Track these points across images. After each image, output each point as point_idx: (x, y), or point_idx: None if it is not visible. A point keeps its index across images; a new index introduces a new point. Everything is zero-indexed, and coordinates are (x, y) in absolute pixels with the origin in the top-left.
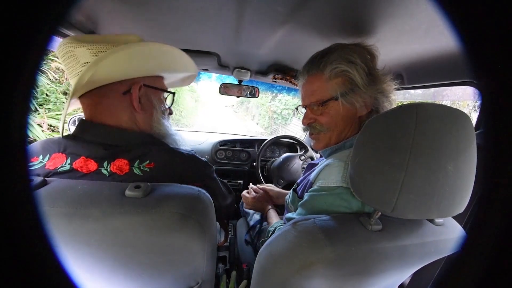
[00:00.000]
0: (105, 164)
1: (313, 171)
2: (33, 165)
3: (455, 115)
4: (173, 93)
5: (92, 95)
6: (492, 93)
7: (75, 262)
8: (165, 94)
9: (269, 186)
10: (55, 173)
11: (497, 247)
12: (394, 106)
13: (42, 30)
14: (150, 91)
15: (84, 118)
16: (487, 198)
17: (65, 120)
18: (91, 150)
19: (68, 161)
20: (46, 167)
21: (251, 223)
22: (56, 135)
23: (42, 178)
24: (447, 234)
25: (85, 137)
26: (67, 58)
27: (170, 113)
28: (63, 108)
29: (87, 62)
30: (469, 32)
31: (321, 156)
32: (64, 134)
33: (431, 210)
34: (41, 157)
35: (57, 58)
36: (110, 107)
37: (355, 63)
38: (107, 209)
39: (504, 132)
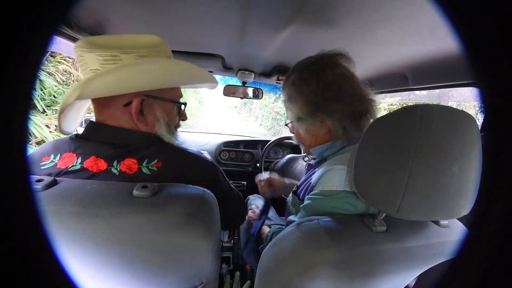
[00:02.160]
0: (115, 163)
1: (313, 173)
2: (45, 164)
3: (460, 117)
4: (184, 104)
5: (97, 100)
6: (492, 94)
7: (83, 260)
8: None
9: (274, 175)
10: (66, 172)
11: (499, 247)
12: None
13: (42, 29)
14: (156, 103)
15: (92, 120)
16: (489, 198)
17: (59, 120)
18: (101, 150)
19: (79, 160)
20: (57, 166)
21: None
22: (63, 136)
23: (53, 178)
24: (452, 236)
25: (93, 138)
26: (79, 61)
27: (183, 119)
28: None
29: (94, 69)
30: (471, 34)
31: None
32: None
33: (436, 212)
34: (52, 156)
35: (65, 60)
36: (112, 115)
37: (292, 97)
38: (115, 209)
39: (505, 133)
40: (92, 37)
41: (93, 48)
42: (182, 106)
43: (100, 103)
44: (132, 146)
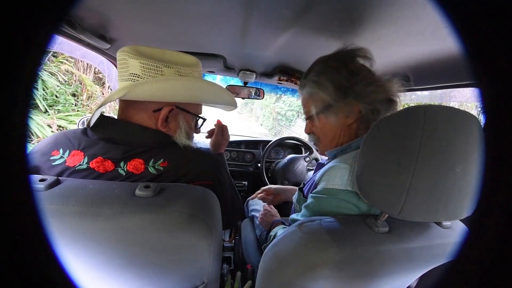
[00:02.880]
0: (121, 164)
1: (320, 171)
2: (55, 160)
3: (463, 117)
4: (204, 119)
5: (127, 100)
6: (493, 95)
7: (85, 259)
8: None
9: (274, 186)
10: (74, 171)
11: (499, 247)
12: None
13: (42, 28)
14: (181, 113)
15: (104, 115)
16: (489, 198)
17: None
18: (109, 150)
19: (86, 160)
20: (66, 163)
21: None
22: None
23: (55, 177)
24: (455, 237)
25: (104, 133)
26: (120, 64)
27: (197, 132)
28: (72, 110)
29: (134, 74)
30: (471, 34)
31: (329, 159)
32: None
33: (439, 213)
34: (61, 151)
35: (67, 60)
36: (138, 116)
37: (320, 84)
38: (117, 208)
39: (505, 133)
40: (139, 46)
41: (139, 56)
42: (200, 121)
43: (129, 102)
44: (141, 147)
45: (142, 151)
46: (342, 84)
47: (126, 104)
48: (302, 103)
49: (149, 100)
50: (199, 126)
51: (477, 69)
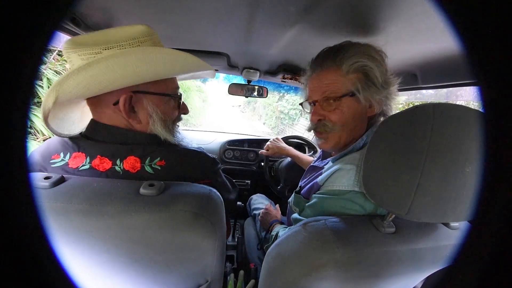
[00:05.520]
0: (118, 161)
1: (319, 174)
2: (55, 163)
3: (473, 115)
4: (177, 97)
5: (88, 99)
6: (493, 95)
7: (90, 257)
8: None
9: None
10: (77, 172)
11: (500, 247)
12: (394, 109)
13: (44, 25)
14: (145, 98)
15: (94, 119)
16: (490, 197)
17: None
18: (104, 148)
19: (88, 160)
20: (69, 166)
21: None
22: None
23: (60, 175)
24: None
25: (96, 137)
26: (68, 63)
27: (184, 113)
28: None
29: None
30: (471, 33)
31: (323, 158)
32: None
33: (447, 214)
34: (61, 155)
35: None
36: (105, 114)
37: (376, 59)
38: (122, 207)
39: (506, 132)
40: (77, 36)
41: (77, 47)
42: (176, 100)
43: (91, 102)
44: (133, 144)
45: (134, 148)
46: (387, 74)
47: (89, 103)
48: (328, 80)
49: (95, 94)
50: (180, 105)
51: (477, 66)
